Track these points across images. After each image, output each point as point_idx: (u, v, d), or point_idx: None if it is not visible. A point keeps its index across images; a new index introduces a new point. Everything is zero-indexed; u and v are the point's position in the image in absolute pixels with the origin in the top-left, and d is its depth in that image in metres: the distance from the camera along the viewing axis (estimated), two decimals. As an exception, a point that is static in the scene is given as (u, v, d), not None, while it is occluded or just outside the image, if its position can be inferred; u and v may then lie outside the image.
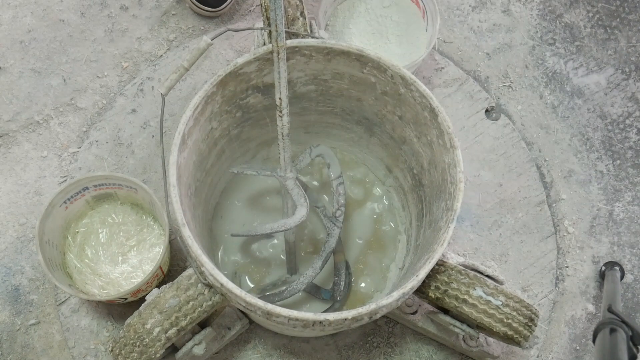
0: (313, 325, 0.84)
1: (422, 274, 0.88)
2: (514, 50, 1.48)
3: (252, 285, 1.20)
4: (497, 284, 1.01)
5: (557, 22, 1.51)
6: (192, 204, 1.01)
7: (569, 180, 1.39)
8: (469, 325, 1.05)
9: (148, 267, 1.19)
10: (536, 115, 1.43)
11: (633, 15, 1.52)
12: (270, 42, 0.90)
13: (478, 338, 1.15)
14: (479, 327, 1.05)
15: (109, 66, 1.39)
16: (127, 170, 1.31)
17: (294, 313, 0.82)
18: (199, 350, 1.03)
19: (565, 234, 1.34)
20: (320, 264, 1.12)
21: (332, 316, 0.83)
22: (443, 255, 1.02)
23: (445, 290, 1.00)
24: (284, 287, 1.13)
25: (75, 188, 1.14)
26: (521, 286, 1.29)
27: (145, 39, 1.42)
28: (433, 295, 1.01)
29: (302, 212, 1.03)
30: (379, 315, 0.88)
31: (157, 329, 0.95)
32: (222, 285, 0.85)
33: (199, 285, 0.96)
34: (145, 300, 0.99)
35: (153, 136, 1.34)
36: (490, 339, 1.18)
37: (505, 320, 0.99)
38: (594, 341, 1.08)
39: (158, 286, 1.03)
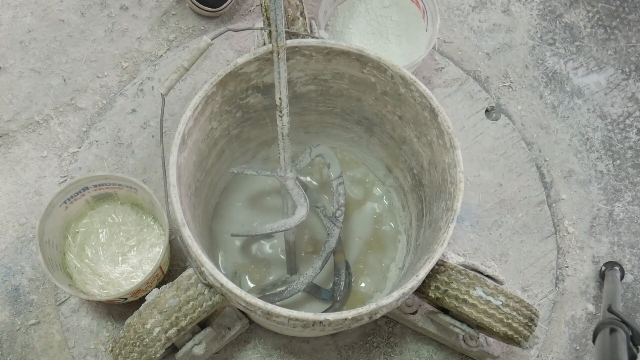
0: (313, 325, 0.84)
1: (422, 274, 0.88)
2: (514, 50, 1.48)
3: (252, 285, 1.20)
4: (497, 284, 1.01)
5: (557, 22, 1.51)
6: (192, 204, 1.01)
7: (569, 180, 1.39)
8: (469, 325, 1.05)
9: (148, 267, 1.19)
10: (536, 115, 1.43)
11: (633, 15, 1.52)
12: (270, 42, 0.90)
13: (478, 338, 1.15)
14: (479, 327, 1.05)
15: (109, 66, 1.39)
16: (127, 170, 1.31)
17: (294, 313, 0.82)
18: (199, 350, 1.03)
19: (565, 234, 1.34)
20: (320, 264, 1.12)
21: (332, 316, 0.83)
22: (443, 255, 1.02)
23: (445, 290, 1.00)
24: (284, 287, 1.13)
25: (75, 188, 1.14)
26: (521, 286, 1.29)
27: (145, 39, 1.42)
28: (433, 295, 1.01)
29: (302, 212, 1.03)
30: (379, 315, 0.88)
31: (157, 329, 0.95)
32: (222, 285, 0.85)
33: (199, 285, 0.96)
34: (145, 300, 0.99)
35: (153, 136, 1.34)
36: (490, 339, 1.18)
37: (505, 320, 0.99)
38: (594, 341, 1.08)
39: (158, 286, 1.03)
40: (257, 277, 1.21)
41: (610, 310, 1.11)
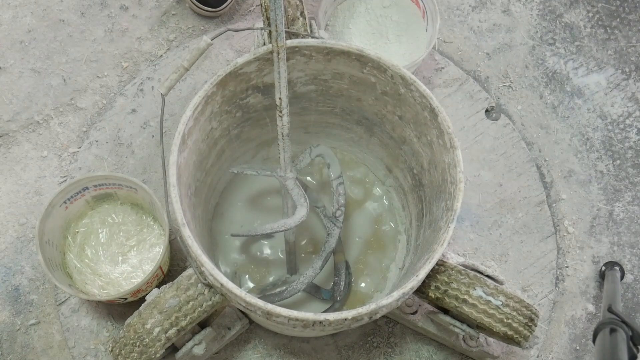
0: (313, 325, 0.84)
1: (422, 274, 0.88)
2: (514, 50, 1.48)
3: (252, 285, 1.20)
4: (497, 284, 1.01)
5: (557, 22, 1.51)
6: (192, 204, 1.01)
7: (569, 180, 1.39)
8: (469, 325, 1.05)
9: (148, 267, 1.19)
10: (536, 115, 1.43)
11: (633, 15, 1.52)
12: (270, 42, 0.90)
13: (478, 338, 1.15)
14: (479, 327, 1.05)
15: (109, 66, 1.39)
16: (127, 170, 1.31)
17: (294, 313, 0.82)
18: (199, 350, 1.03)
19: (565, 234, 1.34)
20: (320, 264, 1.12)
21: (332, 316, 0.83)
22: (443, 255, 1.02)
23: (445, 290, 1.00)
24: (284, 287, 1.13)
25: (75, 188, 1.14)
26: (521, 286, 1.29)
27: (145, 39, 1.42)
28: (433, 295, 1.01)
29: (302, 212, 1.03)
30: (379, 315, 0.87)
31: (157, 329, 0.95)
32: (222, 285, 0.85)
33: (199, 285, 0.96)
34: (145, 300, 0.99)
35: (153, 136, 1.34)
36: (490, 339, 1.18)
37: (505, 320, 0.99)
38: (594, 341, 1.08)
39: (158, 286, 1.03)
40: (257, 277, 1.21)
41: (610, 310, 1.11)
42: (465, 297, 0.98)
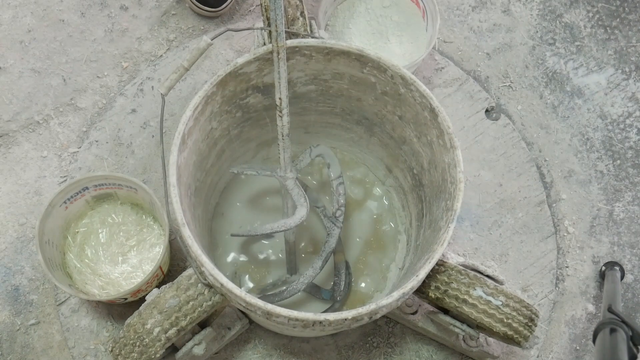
0: (313, 325, 0.84)
1: (422, 274, 0.88)
2: (514, 50, 1.48)
3: (252, 285, 1.20)
4: (497, 284, 1.01)
5: (557, 22, 1.51)
6: (192, 204, 1.01)
7: (569, 180, 1.39)
8: (469, 325, 1.05)
9: (148, 267, 1.19)
10: (536, 115, 1.43)
11: (633, 15, 1.52)
12: (270, 42, 0.90)
13: (478, 338, 1.15)
14: (479, 327, 1.05)
15: (109, 66, 1.39)
16: (127, 170, 1.31)
17: (294, 313, 0.82)
18: (199, 350, 1.03)
19: (565, 234, 1.34)
20: (320, 264, 1.12)
21: (332, 316, 0.83)
22: (443, 255, 1.02)
23: (445, 290, 1.00)
24: (284, 287, 1.13)
25: (75, 188, 1.14)
26: (521, 286, 1.29)
27: (145, 39, 1.42)
28: (433, 295, 1.01)
29: (302, 212, 1.03)
30: (379, 315, 0.87)
31: (157, 329, 0.95)
32: (222, 285, 0.85)
33: (199, 285, 0.96)
34: (145, 300, 0.99)
35: (153, 136, 1.34)
36: (490, 339, 1.18)
37: (505, 320, 0.99)
38: (594, 341, 1.08)
39: (158, 286, 1.03)
40: (257, 277, 1.21)
41: (610, 310, 1.11)
42: (465, 297, 0.98)
